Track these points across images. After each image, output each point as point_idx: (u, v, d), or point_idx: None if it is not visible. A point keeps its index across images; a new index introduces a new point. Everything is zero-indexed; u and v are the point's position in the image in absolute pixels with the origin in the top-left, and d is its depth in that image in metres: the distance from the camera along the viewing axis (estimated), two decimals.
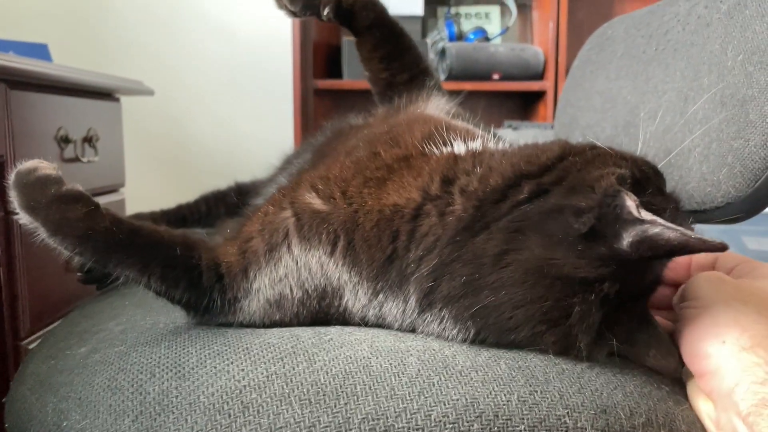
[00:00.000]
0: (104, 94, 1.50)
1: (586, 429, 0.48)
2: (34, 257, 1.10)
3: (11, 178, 0.57)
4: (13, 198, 0.56)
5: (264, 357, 0.53)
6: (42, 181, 0.56)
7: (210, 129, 2.24)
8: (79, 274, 0.82)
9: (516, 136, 1.85)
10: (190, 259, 0.59)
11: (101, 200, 1.51)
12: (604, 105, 0.91)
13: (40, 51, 1.38)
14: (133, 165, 1.70)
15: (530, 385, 0.51)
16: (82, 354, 0.61)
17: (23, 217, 0.56)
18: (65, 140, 1.24)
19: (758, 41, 0.61)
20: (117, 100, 1.58)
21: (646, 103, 0.79)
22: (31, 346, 1.08)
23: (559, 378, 0.52)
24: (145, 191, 1.94)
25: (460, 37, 2.30)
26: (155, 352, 0.57)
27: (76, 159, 1.30)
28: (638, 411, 0.50)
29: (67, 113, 1.28)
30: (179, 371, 0.53)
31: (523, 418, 0.48)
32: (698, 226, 0.51)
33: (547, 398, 0.50)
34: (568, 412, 0.49)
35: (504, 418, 0.48)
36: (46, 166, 0.57)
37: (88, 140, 1.35)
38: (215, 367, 0.53)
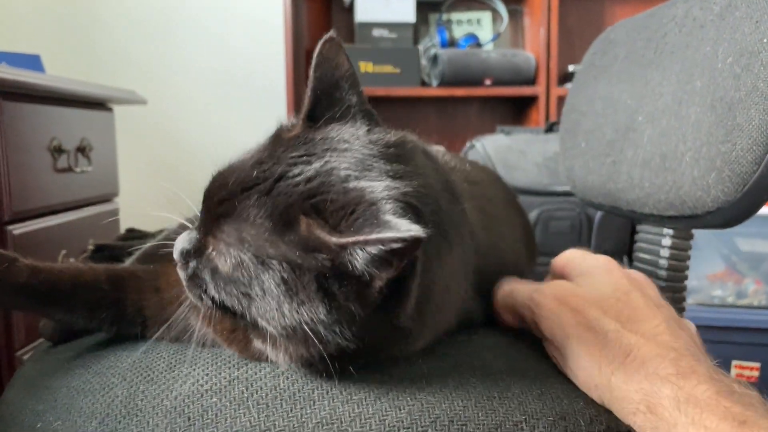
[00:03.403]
0: (97, 104, 1.50)
1: None
2: None
3: None
4: None
5: (230, 362, 0.55)
6: None
7: (204, 138, 2.24)
8: None
9: (509, 142, 1.85)
10: (116, 298, 0.61)
11: (95, 210, 1.51)
12: (605, 109, 0.90)
13: (32, 62, 1.38)
14: (127, 175, 1.69)
15: (489, 391, 0.51)
16: (66, 358, 0.62)
17: None
18: (58, 151, 1.24)
19: (746, 43, 0.61)
20: (110, 110, 1.58)
21: (644, 106, 0.79)
22: (25, 357, 1.08)
23: (519, 384, 0.52)
24: (140, 200, 1.93)
25: (451, 43, 2.31)
26: (130, 356, 0.58)
27: (70, 169, 1.30)
28: (598, 419, 0.51)
29: (60, 124, 1.28)
30: (148, 375, 0.55)
31: (479, 424, 0.48)
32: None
33: (505, 404, 0.50)
34: (525, 419, 0.49)
35: (459, 423, 0.48)
36: None
37: (82, 150, 1.35)
38: (182, 372, 0.54)
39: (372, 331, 0.47)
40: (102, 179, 1.49)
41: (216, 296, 0.49)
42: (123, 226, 1.55)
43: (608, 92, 0.90)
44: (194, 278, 0.50)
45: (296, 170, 0.47)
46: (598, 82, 0.95)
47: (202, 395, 0.51)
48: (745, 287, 1.72)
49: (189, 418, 0.50)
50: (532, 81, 2.19)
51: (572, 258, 0.62)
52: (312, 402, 0.49)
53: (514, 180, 1.65)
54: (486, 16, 2.42)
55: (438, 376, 0.52)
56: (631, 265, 0.91)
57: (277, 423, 0.48)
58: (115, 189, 1.59)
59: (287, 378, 0.52)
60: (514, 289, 0.61)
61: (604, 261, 0.59)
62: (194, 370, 0.54)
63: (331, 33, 0.50)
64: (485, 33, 2.39)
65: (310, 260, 0.44)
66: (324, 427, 0.48)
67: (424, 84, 2.24)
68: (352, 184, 0.46)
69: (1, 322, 1.07)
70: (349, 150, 0.49)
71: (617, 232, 1.69)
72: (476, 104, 2.44)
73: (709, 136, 0.63)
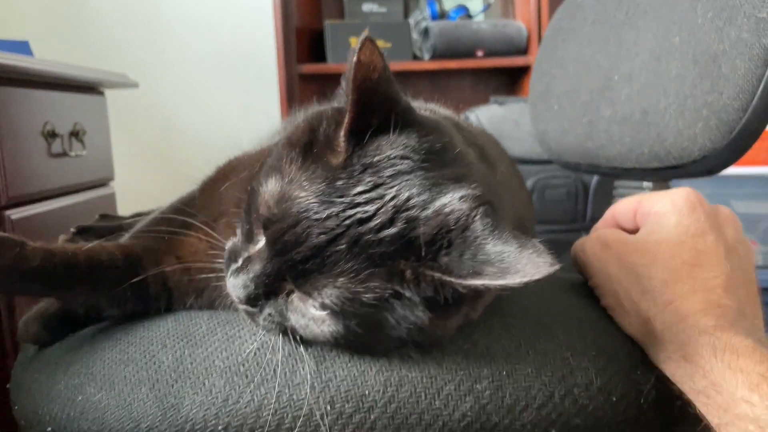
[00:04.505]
0: (89, 89, 1.50)
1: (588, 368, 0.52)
2: None
3: None
4: None
5: None
6: None
7: (196, 119, 2.24)
8: None
9: (503, 112, 1.86)
10: (135, 274, 0.59)
11: (91, 194, 1.51)
12: (578, 72, 0.93)
13: (21, 48, 1.38)
14: (120, 159, 1.70)
15: (535, 331, 0.54)
16: (85, 334, 0.62)
17: None
18: (52, 135, 1.25)
19: None
20: (102, 93, 1.58)
21: (619, 66, 0.81)
22: None
23: (560, 324, 0.56)
24: (134, 184, 1.94)
25: (442, 15, 2.30)
26: (162, 325, 0.58)
27: (64, 154, 1.30)
28: (635, 352, 0.54)
29: (53, 108, 1.28)
30: (190, 340, 0.55)
31: (531, 362, 0.52)
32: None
33: (552, 343, 0.54)
34: (571, 354, 0.53)
35: (514, 362, 0.51)
36: None
37: (75, 135, 1.35)
38: (226, 334, 0.55)
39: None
40: (97, 163, 1.49)
41: (301, 332, 0.49)
42: (120, 211, 1.56)
43: (579, 54, 0.92)
44: (269, 317, 0.50)
45: (372, 208, 0.45)
46: (568, 45, 0.97)
47: (254, 353, 0.52)
48: None
49: (246, 376, 0.51)
50: (524, 51, 2.18)
51: (640, 201, 0.59)
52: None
53: (509, 149, 1.65)
54: None
55: (483, 321, 0.54)
56: None
57: (337, 374, 0.50)
58: (110, 173, 1.59)
59: None
60: (579, 242, 0.62)
61: (674, 201, 0.55)
62: (239, 331, 0.55)
63: (367, 33, 0.46)
64: (475, 4, 2.38)
65: (416, 293, 0.45)
66: (385, 373, 0.49)
67: (415, 58, 2.23)
68: (431, 209, 0.46)
69: (4, 307, 1.08)
70: (411, 168, 0.47)
71: (613, 198, 1.71)
72: (469, 76, 2.44)
73: (693, 88, 0.65)
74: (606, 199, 1.69)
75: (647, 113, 0.73)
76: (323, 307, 0.46)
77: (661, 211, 0.55)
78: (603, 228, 0.61)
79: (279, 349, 0.51)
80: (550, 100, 1.00)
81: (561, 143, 0.97)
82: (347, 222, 0.45)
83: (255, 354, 0.52)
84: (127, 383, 0.53)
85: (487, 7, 2.35)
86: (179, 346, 0.55)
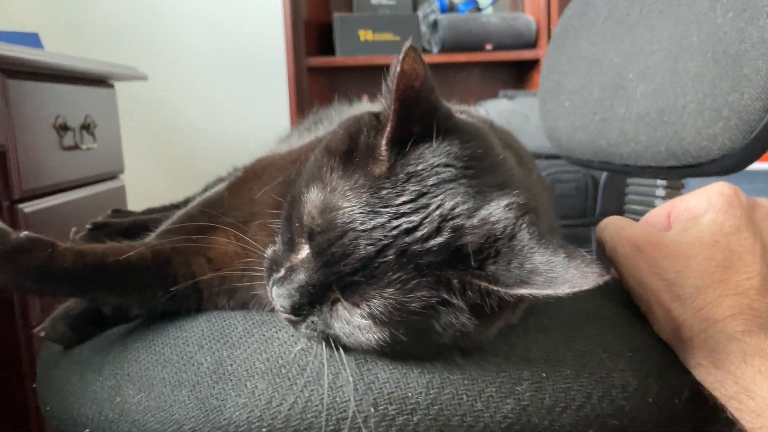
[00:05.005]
0: (99, 81, 1.50)
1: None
2: None
3: None
4: None
5: None
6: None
7: (205, 113, 2.23)
8: None
9: (512, 106, 1.85)
10: (165, 275, 0.59)
11: (102, 187, 1.51)
12: (589, 69, 0.92)
13: (31, 40, 1.38)
14: (128, 152, 1.70)
15: (570, 332, 0.55)
16: (113, 334, 0.61)
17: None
18: (64, 128, 1.25)
19: None
20: (111, 86, 1.58)
21: (634, 64, 0.81)
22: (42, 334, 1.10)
23: (595, 325, 0.57)
24: (143, 177, 1.95)
25: (451, 8, 2.29)
26: (195, 326, 0.58)
27: (76, 147, 1.31)
28: (669, 352, 0.55)
29: (64, 101, 1.29)
30: (227, 341, 0.55)
31: (570, 363, 0.52)
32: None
33: (588, 344, 0.54)
34: (608, 355, 0.53)
35: (554, 361, 0.51)
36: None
37: (86, 128, 1.36)
38: (263, 335, 0.54)
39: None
40: (107, 156, 1.49)
41: (345, 340, 0.49)
42: (129, 204, 1.57)
43: (591, 52, 0.92)
44: (312, 324, 0.50)
45: (417, 218, 0.45)
46: (579, 43, 0.97)
47: (295, 355, 0.52)
48: None
49: (289, 378, 0.50)
50: (533, 44, 2.17)
51: (673, 203, 0.58)
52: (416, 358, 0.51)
53: None
54: None
55: (520, 323, 0.54)
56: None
57: (379, 376, 0.49)
58: (120, 166, 1.60)
59: None
60: (606, 223, 0.60)
61: (710, 196, 0.54)
62: (276, 333, 0.54)
63: (411, 43, 0.45)
64: None
65: (462, 301, 0.45)
66: (427, 375, 0.49)
67: (424, 51, 2.22)
68: (477, 218, 0.45)
69: (18, 298, 1.08)
70: (455, 176, 0.47)
71: (623, 193, 1.70)
72: (477, 70, 2.43)
73: (713, 87, 0.65)
74: (616, 194, 1.69)
75: (664, 111, 0.73)
76: (371, 317, 0.46)
77: (695, 207, 0.54)
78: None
79: (320, 352, 0.51)
80: (560, 97, 1.00)
81: (572, 140, 0.97)
82: (394, 232, 0.45)
83: (296, 356, 0.52)
84: (166, 385, 0.53)
85: (496, 1, 2.34)
86: (217, 347, 0.54)
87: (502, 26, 2.15)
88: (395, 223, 0.45)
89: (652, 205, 0.85)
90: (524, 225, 0.45)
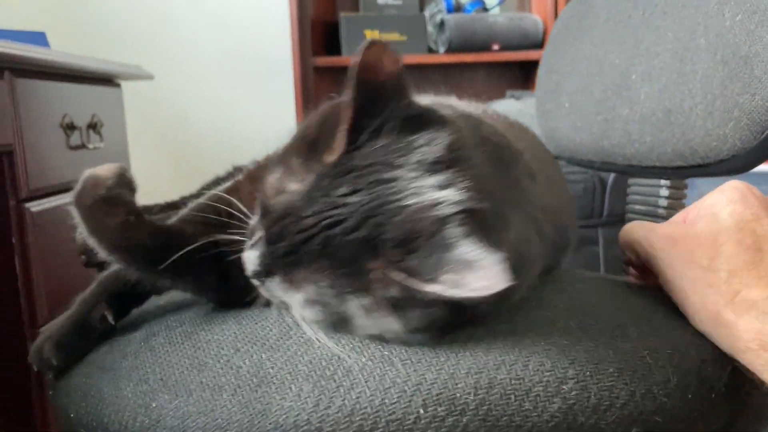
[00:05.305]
0: (105, 81, 1.50)
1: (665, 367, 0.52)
2: (48, 245, 1.12)
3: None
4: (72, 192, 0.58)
5: None
6: (93, 181, 0.58)
7: (210, 112, 2.24)
8: (82, 256, 0.79)
9: (520, 106, 1.84)
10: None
11: None
12: (590, 70, 0.92)
13: (38, 39, 1.38)
14: (134, 151, 1.70)
15: (611, 331, 0.55)
16: (139, 338, 0.60)
17: (73, 212, 0.57)
18: (71, 127, 1.25)
19: (757, 1, 0.62)
20: (118, 85, 1.58)
21: (637, 66, 0.80)
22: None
23: (633, 324, 0.57)
24: (150, 176, 1.94)
25: (458, 8, 2.29)
26: (226, 328, 0.57)
27: (83, 146, 1.31)
28: (705, 348, 0.55)
29: (71, 100, 1.29)
30: (265, 344, 0.54)
31: (612, 361, 0.52)
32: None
33: (628, 342, 0.54)
34: (648, 353, 0.53)
35: (594, 362, 0.51)
36: (107, 169, 0.60)
37: (93, 127, 1.36)
38: (301, 338, 0.53)
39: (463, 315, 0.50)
40: (114, 155, 1.50)
41: (293, 312, 0.52)
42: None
43: (592, 53, 0.92)
44: (269, 291, 0.53)
45: (346, 211, 0.46)
46: (580, 44, 0.96)
47: (338, 357, 0.50)
48: None
49: (334, 380, 0.49)
50: (540, 44, 2.17)
51: (686, 209, 0.61)
52: (456, 353, 0.50)
53: None
54: None
55: (560, 321, 0.55)
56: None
57: (427, 376, 0.48)
58: (126, 165, 1.60)
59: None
60: (632, 227, 0.63)
61: (724, 193, 0.56)
62: (314, 334, 0.53)
63: (371, 39, 0.47)
64: None
65: (385, 294, 0.47)
66: (474, 375, 0.48)
67: (431, 51, 2.22)
68: (405, 214, 0.46)
69: (24, 298, 1.09)
70: (397, 175, 0.47)
71: (627, 196, 1.69)
72: (484, 70, 2.42)
73: (723, 89, 0.65)
74: (623, 196, 1.68)
75: (671, 112, 0.73)
76: (303, 297, 0.49)
77: (714, 204, 0.56)
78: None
79: (363, 352, 0.50)
80: (560, 98, 1.00)
81: (573, 141, 0.96)
82: (323, 223, 0.47)
83: (339, 358, 0.50)
84: (205, 389, 0.51)
85: (503, 1, 2.34)
86: (254, 350, 0.53)
87: (509, 26, 2.14)
88: (327, 213, 0.47)
89: (656, 206, 0.85)
90: (451, 227, 0.45)
